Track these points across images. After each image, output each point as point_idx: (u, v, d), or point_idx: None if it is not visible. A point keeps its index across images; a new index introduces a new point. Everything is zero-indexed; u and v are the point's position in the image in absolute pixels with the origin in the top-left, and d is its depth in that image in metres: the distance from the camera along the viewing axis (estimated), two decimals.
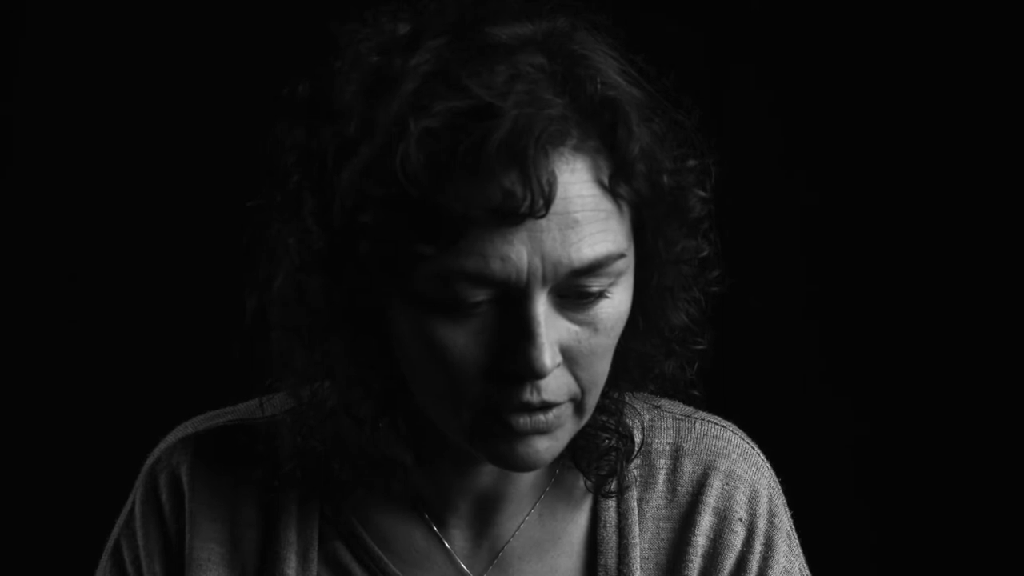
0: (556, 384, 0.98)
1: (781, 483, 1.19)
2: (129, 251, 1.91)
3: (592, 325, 0.98)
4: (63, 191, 1.91)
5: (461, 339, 0.96)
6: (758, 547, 1.15)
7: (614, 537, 1.13)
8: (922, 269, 1.90)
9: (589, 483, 1.13)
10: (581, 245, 0.94)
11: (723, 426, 1.18)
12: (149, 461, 1.16)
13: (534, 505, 1.14)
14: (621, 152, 0.95)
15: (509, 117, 0.91)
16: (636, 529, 1.13)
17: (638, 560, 1.13)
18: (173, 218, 1.89)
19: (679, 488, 1.15)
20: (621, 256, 0.97)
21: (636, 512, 1.14)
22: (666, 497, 1.15)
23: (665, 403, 1.18)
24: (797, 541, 1.18)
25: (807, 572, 1.18)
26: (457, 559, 1.13)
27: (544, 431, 0.99)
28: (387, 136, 0.92)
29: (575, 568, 1.14)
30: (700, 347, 1.10)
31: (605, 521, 1.14)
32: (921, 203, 1.89)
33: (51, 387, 1.94)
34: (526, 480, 1.13)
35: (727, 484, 1.15)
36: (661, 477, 1.15)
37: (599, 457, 1.12)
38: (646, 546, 1.14)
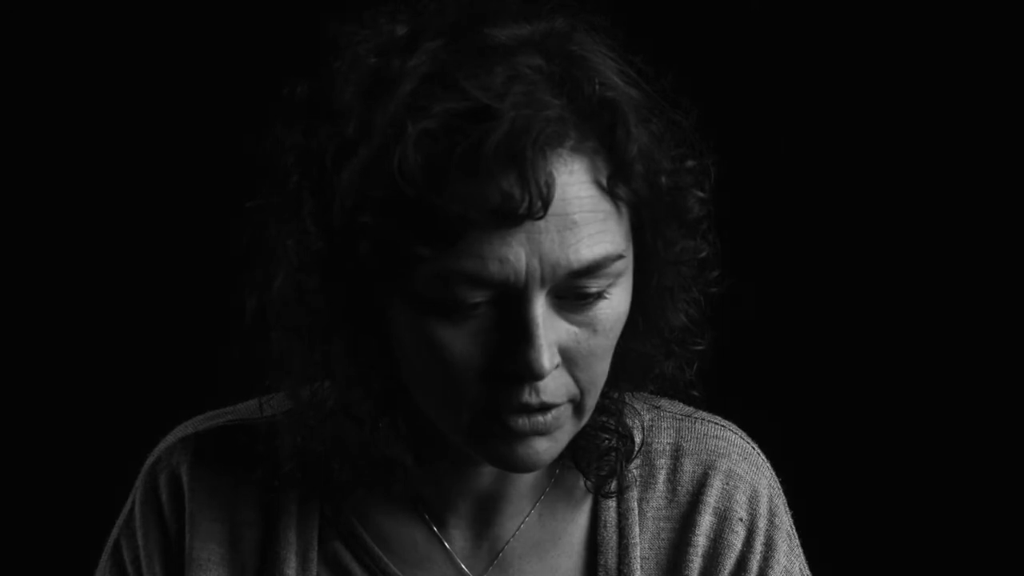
0: (555, 385, 0.98)
1: (781, 483, 1.19)
2: (129, 251, 1.91)
3: (591, 326, 0.98)
4: (63, 191, 1.91)
5: (460, 340, 0.96)
6: (758, 547, 1.15)
7: (614, 537, 1.14)
8: (922, 269, 1.90)
9: (589, 483, 1.13)
10: (579, 246, 0.94)
11: (723, 426, 1.18)
12: (149, 461, 1.17)
13: (534, 505, 1.14)
14: (619, 153, 0.95)
15: (507, 119, 0.91)
16: (636, 529, 1.14)
17: (638, 560, 1.13)
18: (173, 218, 1.88)
19: (679, 488, 1.15)
20: (620, 257, 0.97)
21: (636, 512, 1.14)
22: (666, 497, 1.15)
23: (665, 403, 1.18)
24: (797, 541, 1.19)
25: (807, 572, 1.18)
26: (457, 559, 1.13)
27: (543, 432, 0.99)
28: (385, 137, 0.93)
29: (575, 568, 1.14)
30: (699, 347, 1.10)
31: (605, 521, 1.14)
32: (921, 203, 1.89)
33: (51, 387, 1.94)
34: (526, 480, 1.13)
35: (727, 484, 1.15)
36: (661, 477, 1.15)
37: (599, 457, 1.12)
38: (646, 546, 1.14)
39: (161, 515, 1.14)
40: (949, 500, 1.93)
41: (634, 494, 1.15)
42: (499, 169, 0.90)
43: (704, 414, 1.18)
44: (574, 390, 0.99)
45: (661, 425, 1.17)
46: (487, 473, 1.11)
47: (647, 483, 1.15)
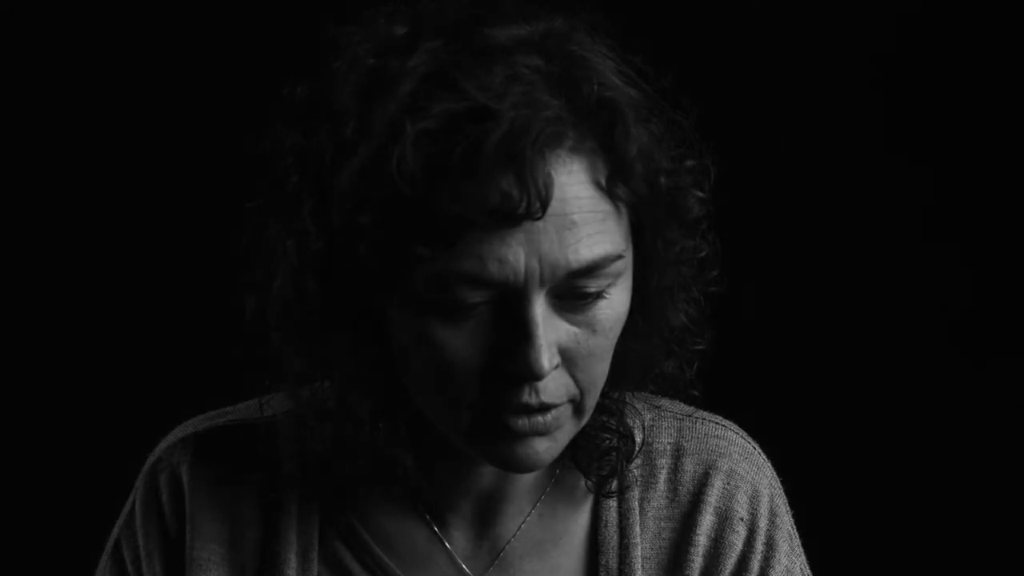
0: (555, 385, 0.98)
1: (782, 483, 1.19)
2: (129, 251, 1.91)
3: (591, 326, 0.98)
4: (63, 191, 1.91)
5: (459, 340, 0.96)
6: (759, 547, 1.15)
7: (615, 537, 1.13)
8: (922, 268, 1.90)
9: (590, 483, 1.13)
10: (579, 246, 0.94)
11: (724, 426, 1.18)
12: (149, 461, 1.17)
13: (535, 505, 1.14)
14: (618, 153, 0.95)
15: (506, 119, 0.90)
16: (637, 529, 1.13)
17: (639, 560, 1.13)
18: (173, 218, 1.88)
19: (680, 488, 1.15)
20: (619, 257, 0.97)
21: (637, 512, 1.14)
22: (667, 497, 1.15)
23: (666, 403, 1.18)
24: (798, 541, 1.19)
25: (808, 572, 1.18)
26: (458, 559, 1.13)
27: (543, 432, 0.99)
28: (384, 137, 0.92)
29: (576, 568, 1.14)
30: (699, 347, 1.10)
31: (606, 521, 1.14)
32: (921, 203, 1.89)
33: (51, 387, 1.94)
34: (527, 480, 1.13)
35: (728, 484, 1.15)
36: (662, 477, 1.15)
37: (600, 457, 1.12)
38: (647, 546, 1.14)
39: (161, 515, 1.14)
40: (949, 500, 1.93)
41: (635, 494, 1.14)
42: (498, 169, 0.90)
43: (705, 414, 1.18)
44: (574, 390, 0.99)
45: (662, 425, 1.17)
46: (488, 473, 1.10)
47: (648, 483, 1.15)
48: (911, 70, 1.86)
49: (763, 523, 1.15)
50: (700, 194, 1.03)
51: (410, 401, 1.04)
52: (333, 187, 0.95)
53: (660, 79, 1.01)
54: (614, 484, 1.13)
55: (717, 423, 1.18)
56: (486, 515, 1.13)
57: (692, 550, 1.13)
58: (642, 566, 1.13)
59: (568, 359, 0.98)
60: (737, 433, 1.18)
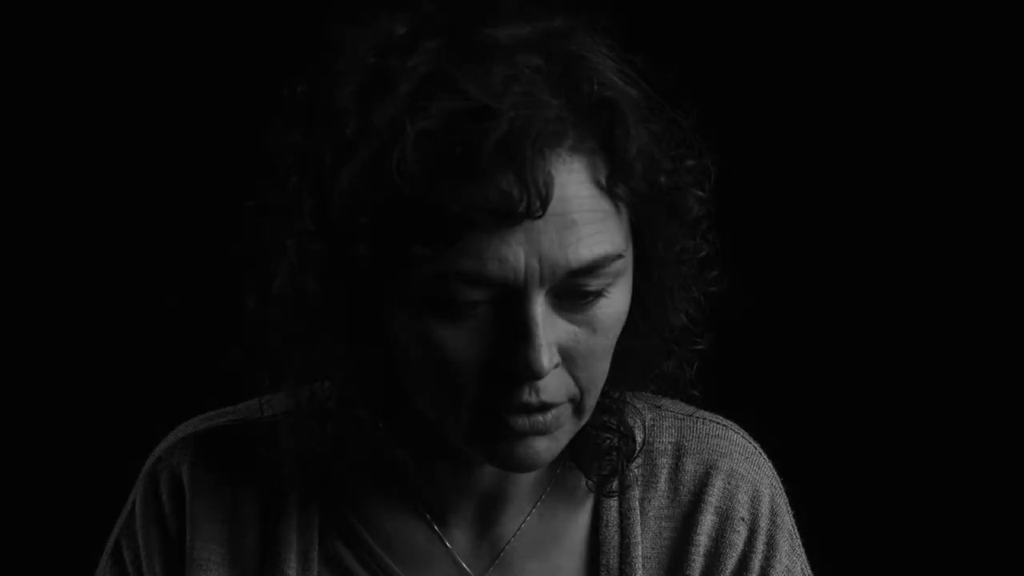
0: (555, 385, 0.97)
1: (783, 483, 1.19)
2: (129, 252, 1.91)
3: (590, 325, 0.98)
4: (63, 192, 1.91)
5: (459, 340, 0.96)
6: (760, 547, 1.15)
7: (616, 536, 1.13)
8: (923, 268, 1.90)
9: (591, 483, 1.13)
10: (579, 246, 0.94)
11: (725, 426, 1.18)
12: (149, 461, 1.16)
13: (535, 505, 1.14)
14: (618, 153, 0.95)
15: (506, 118, 0.90)
16: (638, 528, 1.14)
17: (640, 559, 1.13)
18: (173, 218, 1.88)
19: (681, 487, 1.15)
20: (619, 256, 0.97)
21: (638, 511, 1.14)
22: (668, 496, 1.15)
23: (666, 403, 1.18)
24: (799, 541, 1.19)
25: (809, 572, 1.18)
26: (458, 559, 1.13)
27: (543, 432, 0.99)
28: (384, 137, 0.92)
29: (577, 567, 1.14)
30: (700, 347, 1.10)
31: (607, 520, 1.14)
32: (921, 203, 1.89)
33: (51, 387, 1.94)
34: (527, 480, 1.13)
35: (729, 483, 1.15)
36: (663, 476, 1.15)
37: (600, 457, 1.12)
38: (648, 545, 1.14)
39: (161, 515, 1.14)
40: (949, 500, 1.93)
41: (636, 493, 1.14)
42: (498, 169, 0.90)
43: (706, 414, 1.18)
44: (574, 390, 0.99)
45: (663, 424, 1.17)
46: (488, 473, 1.10)
47: (649, 482, 1.15)
48: (911, 70, 1.86)
49: (764, 523, 1.15)
50: (700, 194, 1.03)
51: (410, 401, 1.04)
52: (333, 187, 0.95)
53: (660, 79, 1.01)
54: (615, 484, 1.13)
55: (718, 423, 1.18)
56: (487, 515, 1.13)
57: (693, 550, 1.13)
58: (643, 566, 1.13)
59: (568, 358, 0.98)
60: (738, 433, 1.18)
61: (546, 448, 1.00)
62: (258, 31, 1.80)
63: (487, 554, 1.13)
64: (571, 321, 0.97)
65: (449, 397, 0.98)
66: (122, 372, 1.92)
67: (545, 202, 0.92)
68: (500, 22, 0.96)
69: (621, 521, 1.14)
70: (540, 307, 0.95)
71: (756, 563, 1.14)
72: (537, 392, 0.97)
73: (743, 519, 1.14)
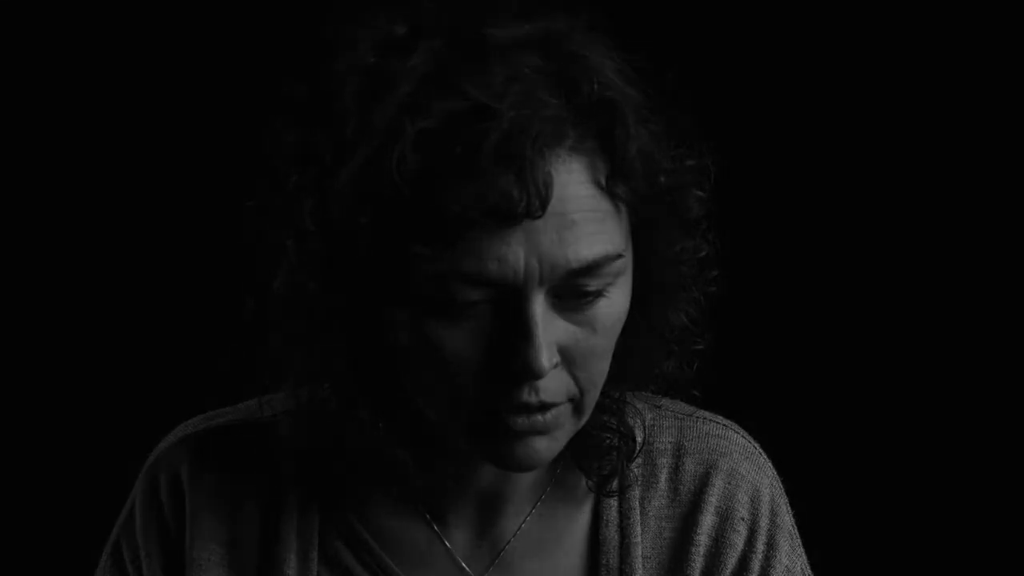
0: (554, 384, 0.97)
1: (783, 483, 1.19)
2: (129, 252, 1.92)
3: (590, 325, 0.97)
4: (63, 192, 1.91)
5: (459, 339, 0.96)
6: (760, 546, 1.15)
7: (616, 536, 1.13)
8: (923, 268, 1.90)
9: (591, 482, 1.13)
10: (578, 246, 0.94)
11: (725, 425, 1.18)
12: (149, 461, 1.16)
13: (535, 504, 1.14)
14: (618, 152, 0.95)
15: (506, 118, 0.90)
16: (638, 528, 1.14)
17: (640, 559, 1.13)
18: (173, 218, 1.89)
19: (681, 487, 1.15)
20: (619, 256, 0.97)
21: (638, 511, 1.14)
22: (668, 496, 1.15)
23: (666, 402, 1.18)
24: (799, 540, 1.19)
25: (809, 572, 1.18)
26: (458, 559, 1.13)
27: (542, 431, 0.99)
28: (384, 137, 0.92)
29: (577, 567, 1.14)
30: (699, 347, 1.10)
31: (607, 520, 1.14)
32: (921, 203, 1.89)
33: (51, 387, 1.94)
34: (527, 480, 1.13)
35: (729, 483, 1.15)
36: (663, 476, 1.15)
37: (600, 456, 1.12)
38: (648, 545, 1.14)
39: (161, 515, 1.14)
40: (949, 500, 1.93)
41: (636, 493, 1.14)
42: (498, 169, 0.90)
43: (706, 413, 1.18)
44: (573, 389, 0.99)
45: (663, 424, 1.17)
46: (488, 472, 1.10)
47: (649, 482, 1.15)
48: (911, 70, 1.86)
49: (764, 523, 1.15)
50: (700, 193, 1.03)
51: (410, 401, 1.04)
52: (333, 187, 0.95)
53: (660, 78, 1.01)
54: (615, 483, 1.13)
55: (718, 423, 1.18)
56: (486, 514, 1.13)
57: (693, 549, 1.13)
58: (643, 565, 1.13)
59: (568, 358, 0.98)
60: (738, 433, 1.18)
61: (546, 448, 1.00)
62: (258, 31, 1.80)
63: (487, 554, 1.13)
64: (571, 321, 0.97)
65: (449, 397, 0.98)
66: (122, 372, 1.92)
67: (545, 202, 0.92)
68: (500, 22, 0.96)
69: (621, 521, 1.14)
70: (540, 307, 0.95)
71: (756, 563, 1.14)
72: (537, 392, 0.97)
73: (743, 519, 1.14)
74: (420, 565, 1.12)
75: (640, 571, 1.12)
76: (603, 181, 0.95)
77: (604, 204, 0.95)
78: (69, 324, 1.93)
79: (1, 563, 1.97)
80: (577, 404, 1.00)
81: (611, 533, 1.14)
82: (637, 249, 1.01)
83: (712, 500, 1.14)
